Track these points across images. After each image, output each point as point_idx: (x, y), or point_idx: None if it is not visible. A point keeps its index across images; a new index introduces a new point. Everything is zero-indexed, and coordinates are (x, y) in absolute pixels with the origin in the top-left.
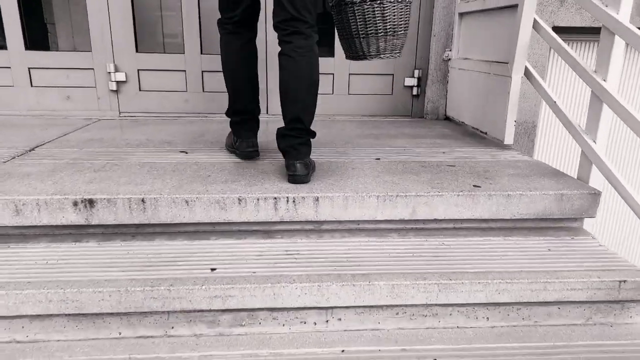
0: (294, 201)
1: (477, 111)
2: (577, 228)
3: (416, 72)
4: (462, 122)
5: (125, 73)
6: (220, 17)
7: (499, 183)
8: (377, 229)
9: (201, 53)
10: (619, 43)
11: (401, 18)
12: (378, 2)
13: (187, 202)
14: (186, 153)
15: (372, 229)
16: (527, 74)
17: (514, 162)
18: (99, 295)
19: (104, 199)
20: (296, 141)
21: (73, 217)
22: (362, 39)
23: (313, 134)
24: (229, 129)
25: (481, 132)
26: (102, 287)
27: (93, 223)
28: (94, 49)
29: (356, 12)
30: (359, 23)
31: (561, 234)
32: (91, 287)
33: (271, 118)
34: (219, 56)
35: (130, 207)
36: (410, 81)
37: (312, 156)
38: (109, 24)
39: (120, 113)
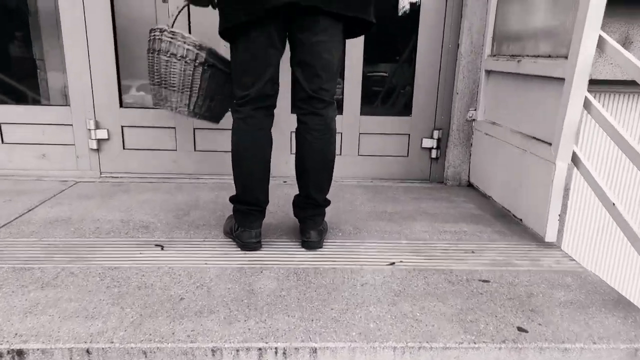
0: (284, 353)
1: (509, 190)
2: None
3: (436, 133)
4: (489, 196)
5: (108, 130)
6: (234, 101)
7: (551, 323)
8: None
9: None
10: None
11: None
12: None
13: (144, 353)
14: (162, 248)
15: None
16: (574, 159)
17: (562, 274)
18: None
19: (38, 349)
20: (310, 212)
21: None
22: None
23: (328, 204)
24: (220, 199)
25: (514, 216)
26: None
27: None
28: (72, 104)
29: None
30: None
31: None
32: None
33: (270, 181)
34: None
35: (71, 359)
36: (429, 142)
37: None
38: (90, 76)
39: (101, 173)
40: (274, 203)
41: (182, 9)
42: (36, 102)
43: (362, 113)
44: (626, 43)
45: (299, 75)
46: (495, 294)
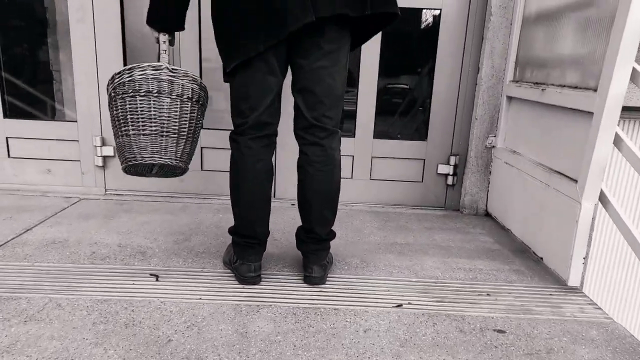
0: None
1: (529, 225)
2: None
3: (452, 159)
4: (507, 229)
5: (114, 147)
6: (232, 129)
7: None
8: None
9: (201, 127)
10: None
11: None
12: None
13: None
14: (157, 278)
15: None
16: (602, 199)
17: (586, 326)
18: None
19: None
20: (313, 247)
21: None
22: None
23: (332, 237)
24: (224, 222)
25: (534, 253)
26: None
27: None
28: (79, 120)
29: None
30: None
31: None
32: None
33: (276, 204)
34: (220, 132)
35: None
36: (445, 169)
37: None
38: (98, 92)
39: (106, 191)
40: (278, 229)
41: (167, 44)
42: (52, 109)
43: (376, 136)
44: None
45: (300, 102)
46: (511, 347)
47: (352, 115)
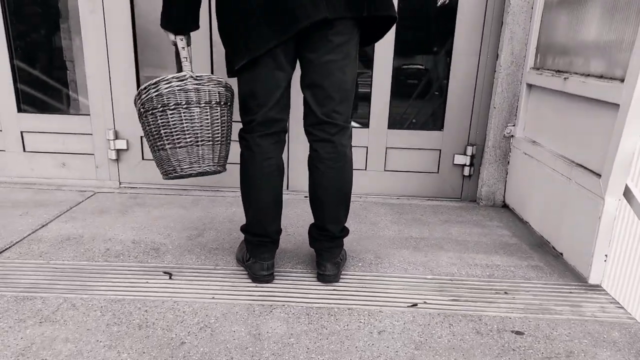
0: None
1: (549, 218)
2: None
3: (469, 149)
4: (525, 221)
5: (127, 140)
6: (241, 126)
7: None
8: None
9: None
10: None
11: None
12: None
13: None
14: (170, 277)
15: None
16: (627, 194)
17: (608, 327)
18: None
19: None
20: (327, 245)
21: None
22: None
23: (345, 234)
24: (237, 217)
25: (554, 248)
26: None
27: None
28: (92, 113)
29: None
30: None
31: None
32: None
33: (290, 196)
34: (235, 123)
35: None
36: (462, 159)
37: None
38: (110, 86)
39: (120, 184)
40: (292, 223)
41: (186, 50)
42: (67, 99)
43: (390, 126)
44: None
45: (309, 98)
46: (529, 350)
47: (366, 98)
